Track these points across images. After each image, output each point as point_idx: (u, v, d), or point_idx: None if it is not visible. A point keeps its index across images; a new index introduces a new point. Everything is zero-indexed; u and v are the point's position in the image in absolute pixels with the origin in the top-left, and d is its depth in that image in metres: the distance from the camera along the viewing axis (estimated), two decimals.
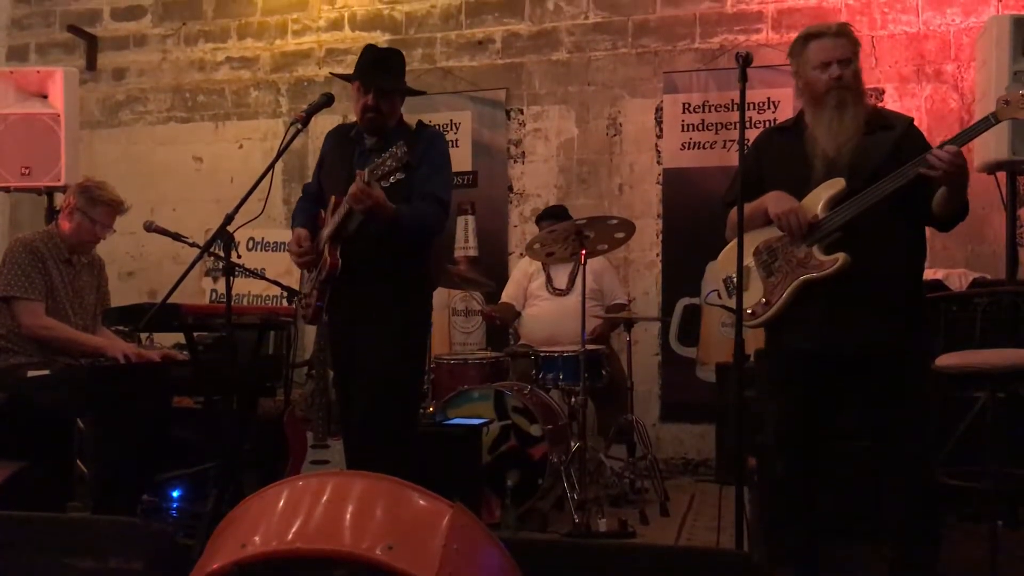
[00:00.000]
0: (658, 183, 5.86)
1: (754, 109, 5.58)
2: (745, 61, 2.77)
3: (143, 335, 4.92)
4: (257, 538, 1.38)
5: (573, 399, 4.51)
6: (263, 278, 4.45)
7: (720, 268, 3.04)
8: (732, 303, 2.84)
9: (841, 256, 2.71)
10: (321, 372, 4.31)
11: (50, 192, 5.47)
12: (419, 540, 1.39)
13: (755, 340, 3.10)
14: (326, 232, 3.23)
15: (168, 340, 4.99)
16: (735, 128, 5.42)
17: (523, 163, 6.14)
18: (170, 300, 3.21)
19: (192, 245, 3.91)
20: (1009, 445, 3.40)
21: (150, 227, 3.99)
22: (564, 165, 6.07)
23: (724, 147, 5.67)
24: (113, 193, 3.85)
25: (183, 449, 3.98)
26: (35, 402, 3.52)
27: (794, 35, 3.01)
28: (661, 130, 5.85)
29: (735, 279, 2.79)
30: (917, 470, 2.76)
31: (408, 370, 3.29)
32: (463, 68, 6.23)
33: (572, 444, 4.23)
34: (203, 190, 6.62)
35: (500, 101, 6.14)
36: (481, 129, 6.14)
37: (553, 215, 5.11)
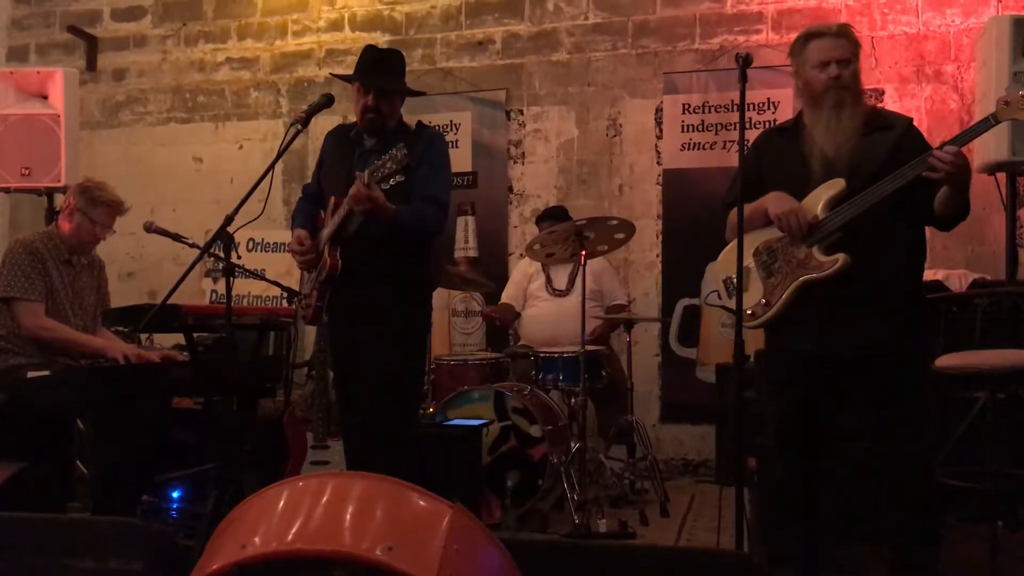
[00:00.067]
0: (658, 184, 5.86)
1: (754, 110, 5.58)
2: (745, 62, 2.77)
3: (143, 336, 4.93)
4: (257, 539, 1.38)
5: (573, 400, 4.51)
6: (263, 279, 4.45)
7: (720, 269, 3.04)
8: (732, 304, 2.84)
9: (841, 257, 2.71)
10: (321, 373, 4.31)
11: (50, 193, 5.47)
12: (419, 541, 1.39)
13: (755, 341, 3.10)
14: (326, 233, 3.23)
15: (168, 341, 4.99)
16: (735, 129, 5.42)
17: (523, 164, 6.14)
18: (170, 301, 3.21)
19: (192, 246, 3.91)
20: (1009, 446, 3.40)
21: (150, 228, 3.99)
22: (564, 166, 6.07)
23: (724, 148, 5.67)
24: (113, 194, 3.86)
25: (183, 450, 3.98)
26: (35, 403, 3.52)
27: (794, 36, 3.02)
28: (661, 131, 5.85)
29: (735, 280, 2.79)
30: (917, 471, 2.76)
31: (408, 371, 3.29)
32: (463, 69, 6.23)
33: (572, 445, 4.23)
34: (203, 191, 6.61)
35: (500, 102, 6.14)
36: (481, 130, 6.14)
37: (553, 216, 5.11)
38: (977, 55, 4.90)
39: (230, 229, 3.06)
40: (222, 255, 3.13)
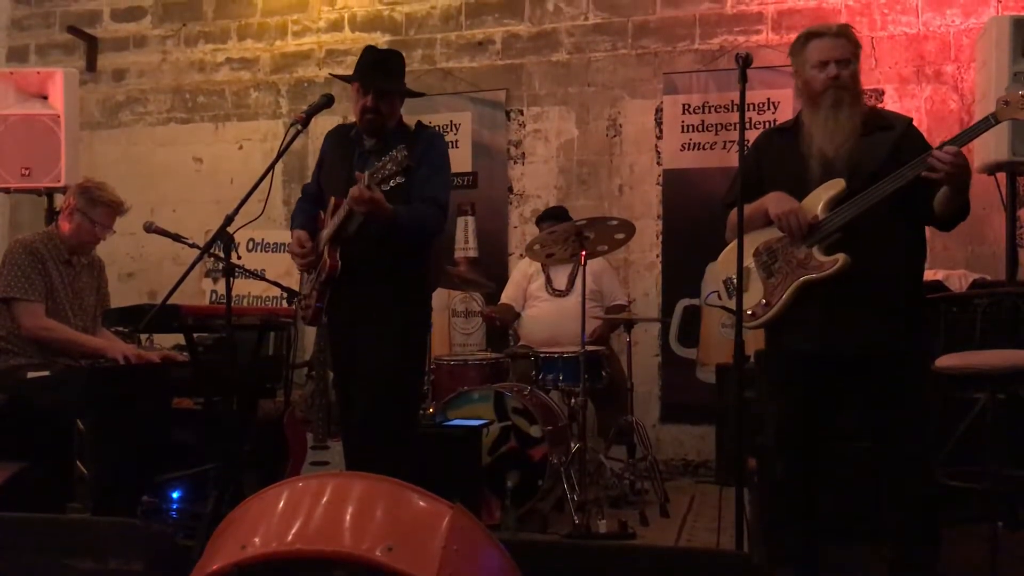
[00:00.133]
0: (658, 184, 5.86)
1: (754, 110, 5.58)
2: (745, 62, 2.77)
3: (143, 336, 4.93)
4: (257, 539, 1.38)
5: (573, 400, 4.51)
6: (263, 279, 4.45)
7: (720, 269, 3.04)
8: (732, 304, 2.84)
9: (841, 257, 2.71)
10: (321, 373, 4.31)
11: (50, 193, 5.47)
12: (419, 541, 1.39)
13: (755, 341, 3.09)
14: (326, 233, 3.23)
15: (168, 341, 4.99)
16: (735, 129, 5.42)
17: (523, 164, 6.14)
18: (170, 301, 3.22)
19: (192, 246, 3.91)
20: (1009, 446, 3.39)
21: (150, 228, 3.99)
22: (564, 166, 6.07)
23: (724, 148, 5.67)
24: (113, 194, 3.86)
25: (183, 450, 3.98)
26: (35, 403, 3.52)
27: (794, 36, 3.02)
28: (661, 131, 5.85)
29: (735, 280, 2.79)
30: (917, 471, 2.76)
31: (408, 371, 3.30)
32: (463, 69, 6.23)
33: (572, 445, 4.23)
34: (203, 191, 6.62)
35: (500, 102, 6.14)
36: (481, 130, 6.14)
37: (553, 216, 5.11)
38: (977, 55, 4.90)
39: (230, 229, 3.06)
40: (222, 255, 3.13)
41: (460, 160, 5.95)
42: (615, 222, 4.24)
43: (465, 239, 5.97)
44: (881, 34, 5.51)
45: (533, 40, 6.12)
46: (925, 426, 2.84)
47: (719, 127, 5.71)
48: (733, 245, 2.84)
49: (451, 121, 6.15)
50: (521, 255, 5.67)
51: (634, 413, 4.85)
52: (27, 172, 5.28)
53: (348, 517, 1.41)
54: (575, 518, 3.92)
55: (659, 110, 5.85)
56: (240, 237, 3.27)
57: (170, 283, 3.16)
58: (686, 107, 5.77)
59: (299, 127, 3.18)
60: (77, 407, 3.55)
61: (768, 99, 5.59)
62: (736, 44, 5.68)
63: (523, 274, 5.32)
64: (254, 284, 5.98)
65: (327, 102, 3.24)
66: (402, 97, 3.36)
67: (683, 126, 5.77)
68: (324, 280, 3.22)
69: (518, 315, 5.32)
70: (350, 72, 3.38)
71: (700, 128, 5.74)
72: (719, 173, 5.48)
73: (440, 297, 5.83)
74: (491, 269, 5.74)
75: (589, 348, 4.32)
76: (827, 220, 2.75)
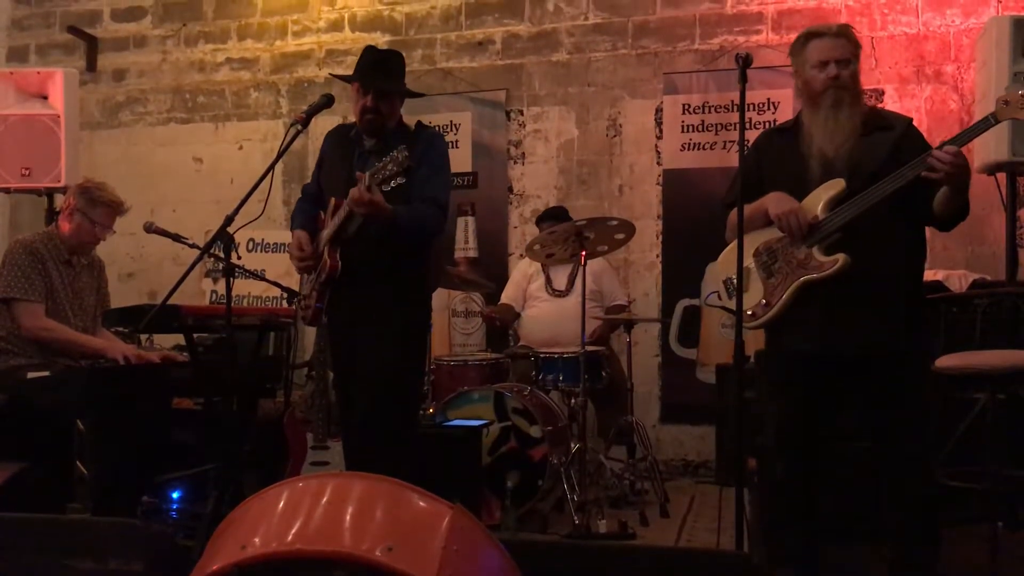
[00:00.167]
0: (658, 184, 5.86)
1: (754, 110, 5.58)
2: (745, 62, 2.77)
3: (143, 336, 4.93)
4: (257, 539, 1.38)
5: (573, 400, 4.51)
6: (263, 279, 4.45)
7: (720, 269, 3.04)
8: (733, 304, 2.84)
9: (841, 257, 2.71)
10: (321, 373, 4.31)
11: (50, 193, 5.47)
12: (419, 541, 1.39)
13: (755, 341, 3.10)
14: (326, 234, 3.23)
15: (168, 341, 4.99)
16: (735, 129, 5.42)
17: (523, 164, 6.14)
18: (170, 301, 3.22)
19: (192, 246, 3.91)
20: (1009, 446, 3.39)
21: (150, 228, 3.99)
22: (564, 166, 6.07)
23: (724, 148, 5.67)
24: (113, 194, 3.86)
25: (183, 450, 3.98)
26: (35, 403, 3.52)
27: (794, 36, 3.02)
28: (661, 131, 5.85)
29: (735, 280, 2.79)
30: (917, 471, 2.76)
31: (408, 371, 3.30)
32: (463, 69, 6.23)
33: (572, 445, 4.23)
34: (203, 191, 6.62)
35: (500, 102, 6.14)
36: (481, 130, 6.14)
37: (553, 216, 5.11)
38: (977, 55, 4.90)
39: (230, 229, 3.06)
40: (222, 255, 3.13)
41: (460, 160, 5.95)
42: (615, 222, 4.24)
43: (465, 239, 5.97)
44: (881, 34, 5.51)
45: (533, 40, 6.12)
46: (925, 426, 2.84)
47: (719, 127, 5.71)
48: (733, 245, 2.84)
49: (451, 121, 6.15)
50: (521, 255, 5.67)
51: (634, 413, 4.84)
52: (27, 172, 5.28)
53: (348, 517, 1.41)
54: (575, 518, 3.92)
55: (659, 110, 5.85)
56: (240, 237, 3.27)
57: (170, 283, 3.16)
58: (686, 107, 5.77)
59: (299, 127, 3.18)
60: (77, 407, 3.55)
61: (768, 99, 5.59)
62: (736, 44, 5.68)
63: (523, 274, 5.32)
64: (254, 284, 5.98)
65: (327, 102, 3.24)
66: (402, 97, 3.36)
67: (683, 126, 5.77)
68: (324, 280, 3.22)
69: (518, 315, 5.32)
70: (350, 72, 3.38)
71: (700, 128, 5.75)
72: (719, 173, 5.48)
73: (440, 297, 5.83)
74: (491, 269, 5.74)
75: (589, 348, 4.32)
76: (827, 220, 2.75)
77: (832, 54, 2.81)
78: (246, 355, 3.84)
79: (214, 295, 6.30)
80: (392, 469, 1.81)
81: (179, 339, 4.68)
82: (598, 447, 4.66)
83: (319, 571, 1.33)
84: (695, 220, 5.46)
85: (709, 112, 5.73)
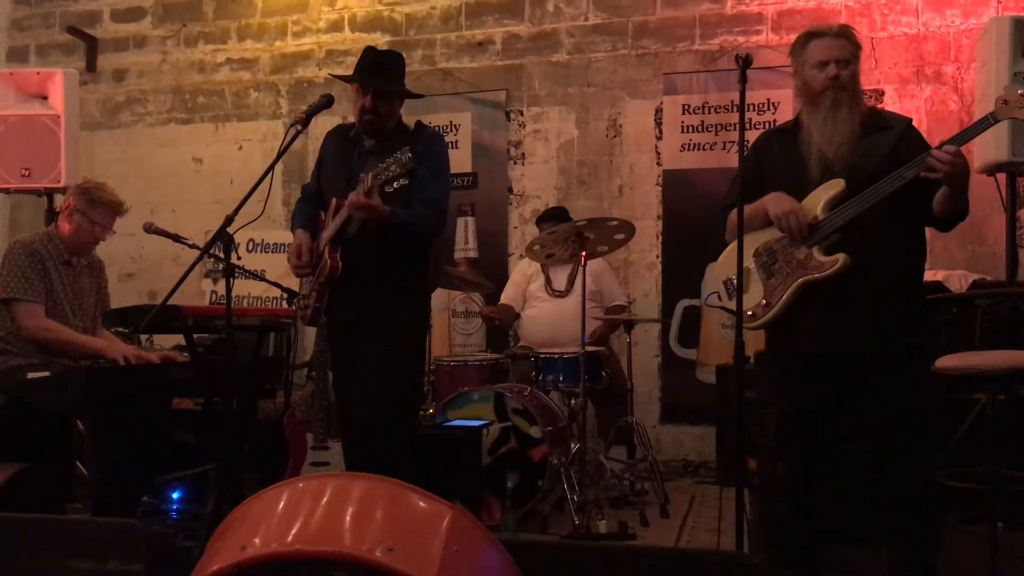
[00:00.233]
0: (658, 184, 5.86)
1: (754, 110, 5.58)
2: (745, 63, 2.77)
3: (143, 337, 4.93)
4: (257, 540, 1.38)
5: (573, 401, 4.51)
6: (263, 279, 4.45)
7: (720, 270, 3.04)
8: (733, 305, 2.84)
9: (841, 257, 2.71)
10: (321, 374, 4.31)
11: (50, 193, 5.46)
12: (419, 542, 1.39)
13: (755, 341, 3.10)
14: (326, 235, 3.24)
15: (168, 342, 4.99)
16: (735, 129, 5.42)
17: (523, 164, 6.14)
18: (170, 302, 3.22)
19: (192, 247, 3.91)
20: (1009, 446, 3.39)
21: (150, 228, 3.99)
22: (564, 166, 6.07)
23: (724, 148, 5.67)
24: (113, 194, 3.86)
25: (183, 451, 3.99)
26: (35, 404, 3.52)
27: (794, 37, 3.02)
28: (661, 131, 5.85)
29: (735, 281, 2.79)
30: (917, 472, 2.76)
31: (407, 372, 3.30)
32: (463, 69, 6.23)
33: (572, 446, 4.23)
34: (203, 191, 6.62)
35: (500, 102, 6.14)
36: (481, 130, 6.14)
37: (553, 217, 5.11)
38: (977, 56, 4.89)
39: (230, 230, 3.06)
40: (222, 256, 3.13)
41: (460, 160, 5.95)
42: (615, 223, 4.24)
43: (465, 239, 5.97)
44: (881, 34, 5.51)
45: (533, 40, 6.12)
46: (925, 426, 2.84)
47: (719, 127, 5.71)
48: (733, 246, 2.84)
49: (451, 121, 6.15)
50: (521, 256, 5.67)
51: (634, 414, 4.85)
52: (27, 173, 5.28)
53: (348, 518, 1.41)
54: (575, 519, 3.92)
55: (659, 110, 5.85)
56: (240, 237, 3.27)
57: (170, 284, 3.16)
58: (686, 107, 5.77)
59: (299, 127, 3.18)
60: (77, 407, 3.56)
61: (768, 99, 5.59)
62: (736, 44, 5.69)
63: (523, 274, 5.32)
64: (254, 285, 5.98)
65: (327, 102, 3.24)
66: (401, 98, 3.36)
67: (683, 126, 5.77)
68: (324, 281, 3.22)
69: (518, 316, 5.31)
70: (350, 72, 3.38)
71: (700, 128, 5.74)
72: (719, 174, 5.48)
73: (440, 297, 5.83)
74: (491, 269, 5.74)
75: (589, 349, 4.32)
76: (827, 220, 2.75)
77: (832, 54, 2.81)
78: (246, 355, 3.84)
79: (214, 295, 6.30)
80: (392, 469, 1.81)
81: (179, 339, 4.68)
82: (598, 447, 4.65)
83: (319, 572, 1.33)
84: (695, 220, 5.46)
85: (709, 112, 5.73)
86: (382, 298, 3.19)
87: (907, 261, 2.83)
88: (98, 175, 5.21)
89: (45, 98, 5.39)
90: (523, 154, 6.13)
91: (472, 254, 5.97)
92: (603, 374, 4.60)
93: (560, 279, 5.17)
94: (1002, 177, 4.67)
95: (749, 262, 2.87)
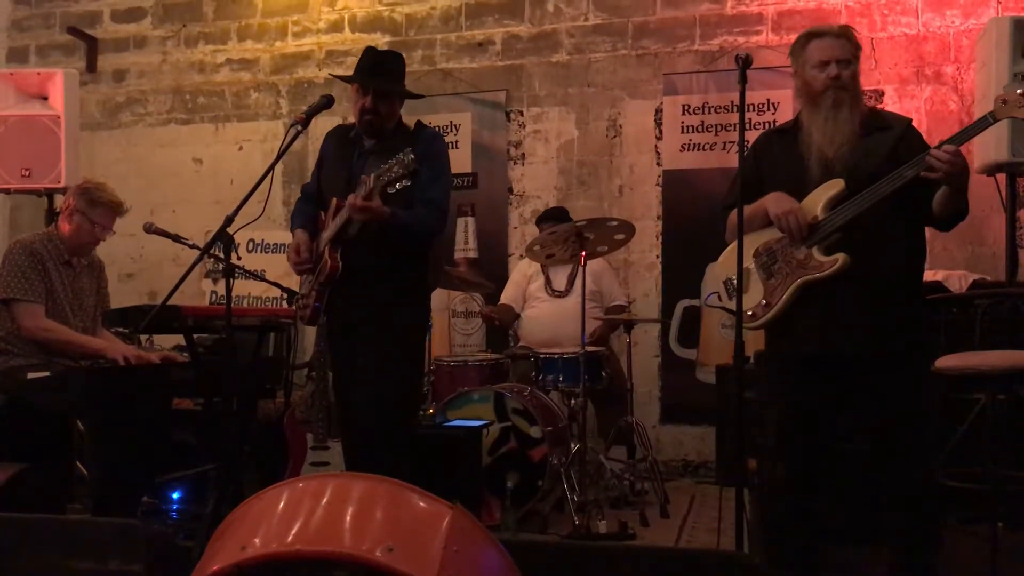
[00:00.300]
0: (658, 185, 5.86)
1: (754, 111, 5.58)
2: (745, 63, 2.77)
3: (143, 337, 4.93)
4: (257, 540, 1.38)
5: (573, 401, 4.51)
6: (263, 280, 4.45)
7: (720, 270, 3.04)
8: (733, 305, 2.84)
9: (841, 257, 2.71)
10: (321, 374, 4.31)
11: (50, 194, 5.46)
12: (419, 542, 1.39)
13: (755, 341, 3.10)
14: (327, 235, 3.24)
15: (168, 342, 4.99)
16: (735, 129, 5.41)
17: (523, 165, 6.14)
18: (170, 302, 3.22)
19: (192, 247, 3.91)
20: (1009, 446, 3.40)
21: (150, 229, 3.99)
22: (564, 167, 6.07)
23: (724, 148, 5.67)
24: (113, 194, 3.86)
25: (183, 451, 3.98)
26: (35, 404, 3.52)
27: (794, 37, 3.02)
28: (661, 132, 5.85)
29: (735, 281, 2.79)
30: (917, 472, 2.76)
31: (407, 372, 3.30)
32: (463, 70, 6.23)
33: (572, 446, 4.23)
34: (203, 192, 6.62)
35: (500, 103, 6.14)
36: (481, 131, 6.14)
37: (553, 217, 5.11)
38: (977, 56, 4.89)
39: (230, 230, 3.06)
40: (222, 256, 3.13)
41: (460, 161, 5.95)
42: (615, 223, 4.25)
43: (465, 240, 5.97)
44: (881, 35, 5.51)
45: (533, 41, 6.12)
46: (925, 426, 2.84)
47: (719, 128, 5.71)
48: (733, 246, 2.84)
49: (451, 122, 6.15)
50: (521, 256, 5.67)
51: (634, 414, 4.85)
52: (27, 173, 5.28)
53: (348, 518, 1.41)
54: (575, 519, 3.92)
55: (659, 111, 5.85)
56: (240, 238, 3.27)
57: (170, 284, 3.16)
58: (686, 108, 5.77)
59: (299, 128, 3.19)
60: (77, 408, 3.56)
61: (768, 100, 5.59)
62: (736, 45, 5.69)
63: (523, 275, 5.32)
64: (254, 285, 5.98)
65: (327, 103, 3.25)
66: (401, 98, 3.37)
67: (683, 127, 5.77)
68: (324, 281, 3.22)
69: (517, 316, 5.31)
70: (350, 73, 3.38)
71: (700, 129, 5.74)
72: (719, 174, 5.48)
73: (440, 297, 5.83)
74: (491, 270, 5.74)
75: (589, 349, 4.32)
76: (827, 220, 2.75)
77: (833, 54, 2.81)
78: (246, 356, 3.84)
79: (214, 296, 6.30)
80: (392, 469, 1.81)
81: (179, 339, 4.68)
82: (598, 447, 4.65)
83: (319, 572, 1.33)
84: (695, 221, 5.46)
85: (709, 113, 5.73)
86: (382, 298, 3.19)
87: (907, 261, 2.84)
88: (98, 175, 5.21)
89: (45, 98, 5.39)
90: (523, 154, 6.13)
91: (472, 254, 5.97)
92: (603, 374, 4.60)
93: (560, 279, 5.17)
94: (1002, 177, 4.67)
95: (749, 262, 2.87)
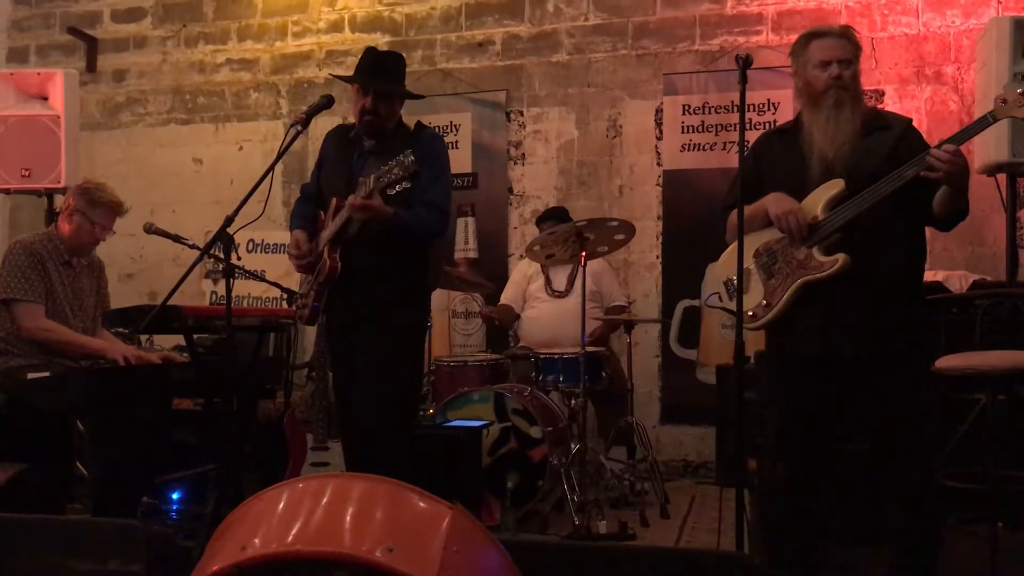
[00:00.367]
0: (658, 185, 5.86)
1: (754, 111, 5.58)
2: (745, 63, 2.77)
3: (143, 337, 4.93)
4: (257, 540, 1.38)
5: (573, 401, 4.51)
6: (263, 280, 4.45)
7: (721, 271, 3.04)
8: (733, 306, 2.84)
9: (841, 257, 2.71)
10: (321, 374, 4.31)
11: (50, 194, 5.46)
12: (419, 542, 1.39)
13: (755, 342, 3.09)
14: (326, 235, 3.23)
15: (168, 342, 4.99)
16: (735, 130, 5.42)
17: (523, 165, 6.14)
18: (170, 302, 3.22)
19: (192, 247, 3.91)
20: (1009, 446, 3.39)
21: (150, 229, 3.99)
22: (564, 167, 6.07)
23: (724, 149, 5.67)
24: (113, 194, 3.86)
25: (183, 451, 3.98)
26: (35, 404, 3.52)
27: (794, 37, 3.02)
28: (661, 132, 5.85)
29: (736, 281, 2.79)
30: (917, 472, 2.76)
31: (407, 372, 3.30)
32: (463, 70, 6.23)
33: (572, 446, 4.23)
34: (203, 192, 6.62)
35: (500, 103, 6.14)
36: (481, 131, 6.14)
37: (553, 217, 5.11)
38: (977, 56, 4.89)
39: (230, 230, 3.06)
40: (222, 256, 3.13)
41: (460, 161, 5.95)
42: (615, 223, 4.24)
43: (465, 240, 5.97)
44: (881, 35, 5.51)
45: (533, 41, 6.12)
46: (925, 427, 2.84)
47: (719, 128, 5.70)
48: (733, 246, 2.84)
49: (451, 122, 6.15)
50: (521, 256, 5.67)
51: (634, 414, 4.85)
52: (27, 173, 5.28)
53: (348, 518, 1.41)
54: (575, 519, 3.92)
55: (659, 111, 5.85)
56: (240, 238, 3.27)
57: (170, 284, 3.16)
58: (686, 108, 5.76)
59: (299, 128, 3.19)
60: (77, 408, 3.56)
61: (768, 100, 5.59)
62: (736, 45, 5.69)
63: (523, 275, 5.32)
64: (254, 285, 5.99)
65: (327, 103, 3.25)
66: (402, 99, 3.37)
67: (683, 127, 5.77)
68: (323, 281, 3.22)
69: (517, 316, 5.31)
70: (350, 73, 3.38)
71: (700, 129, 5.74)
72: (719, 174, 5.48)
73: (440, 298, 5.83)
74: (491, 270, 5.74)
75: (589, 349, 4.32)
76: (827, 220, 2.75)
77: (835, 54, 2.81)
78: (246, 356, 3.84)
79: (214, 296, 6.30)
80: (392, 470, 1.81)
81: (179, 340, 4.68)
82: (598, 448, 4.65)
83: (319, 572, 1.33)
84: (695, 221, 5.46)
85: (709, 113, 5.73)
86: (382, 298, 3.19)
87: (907, 261, 2.83)
88: (98, 175, 5.21)
89: (45, 98, 5.39)
90: (523, 154, 6.13)
91: (472, 254, 5.97)
92: (603, 374, 4.60)
93: (560, 279, 5.17)
94: (1002, 177, 4.67)
95: (749, 263, 2.87)
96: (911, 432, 2.76)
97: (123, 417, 3.50)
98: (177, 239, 3.98)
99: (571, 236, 4.11)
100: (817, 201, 2.77)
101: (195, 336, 3.75)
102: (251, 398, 3.98)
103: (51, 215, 5.38)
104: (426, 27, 6.32)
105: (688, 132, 5.76)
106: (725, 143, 5.66)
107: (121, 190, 3.98)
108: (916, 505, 2.74)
